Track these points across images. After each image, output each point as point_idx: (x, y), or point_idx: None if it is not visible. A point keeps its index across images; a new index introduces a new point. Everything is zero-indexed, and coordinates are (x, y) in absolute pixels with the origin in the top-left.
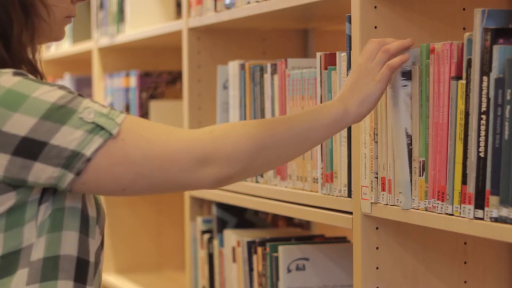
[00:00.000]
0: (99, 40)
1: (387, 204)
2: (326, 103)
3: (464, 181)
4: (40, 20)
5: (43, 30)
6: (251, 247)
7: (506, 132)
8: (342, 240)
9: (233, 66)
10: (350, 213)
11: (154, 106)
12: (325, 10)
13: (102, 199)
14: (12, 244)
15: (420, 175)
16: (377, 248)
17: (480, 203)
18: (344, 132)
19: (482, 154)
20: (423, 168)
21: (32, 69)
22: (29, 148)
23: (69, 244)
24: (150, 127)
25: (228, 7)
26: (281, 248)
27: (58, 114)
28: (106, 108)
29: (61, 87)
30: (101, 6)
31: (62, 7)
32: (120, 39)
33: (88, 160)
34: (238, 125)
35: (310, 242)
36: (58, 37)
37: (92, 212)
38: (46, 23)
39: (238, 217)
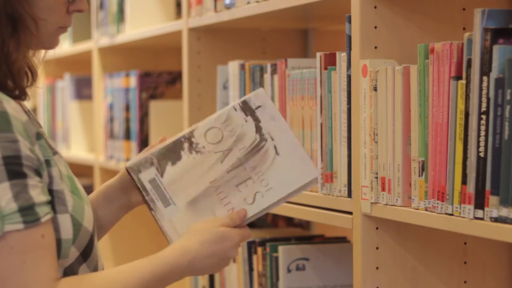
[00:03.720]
0: (99, 40)
1: (387, 204)
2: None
3: (464, 181)
4: (27, 33)
5: (30, 41)
6: (251, 247)
7: (506, 132)
8: (342, 240)
9: (233, 66)
10: (350, 213)
11: (154, 106)
12: (325, 10)
13: (87, 214)
14: None
15: (419, 175)
16: (377, 248)
17: (480, 203)
18: (344, 132)
19: (482, 154)
20: (423, 168)
21: (20, 71)
22: None
23: None
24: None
25: (228, 7)
26: (281, 248)
27: None
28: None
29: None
30: (101, 6)
31: (54, 20)
32: (120, 39)
33: None
34: None
35: (310, 242)
36: (50, 46)
37: (65, 234)
38: (34, 35)
39: None
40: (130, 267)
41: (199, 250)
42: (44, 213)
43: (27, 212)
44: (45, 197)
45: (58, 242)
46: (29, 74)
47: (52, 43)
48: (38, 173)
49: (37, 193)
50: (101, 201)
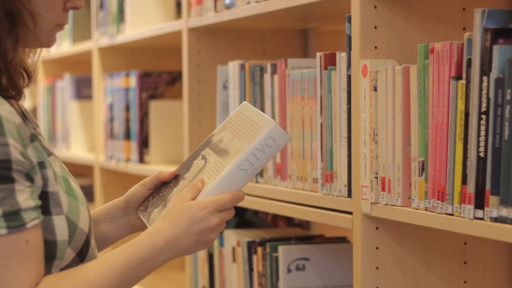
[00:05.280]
0: (99, 40)
1: (387, 204)
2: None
3: (464, 181)
4: (26, 29)
5: (28, 39)
6: (251, 247)
7: (506, 132)
8: (342, 240)
9: (233, 66)
10: (350, 213)
11: (154, 106)
12: (325, 10)
13: (83, 215)
14: None
15: (419, 175)
16: (377, 248)
17: (480, 203)
18: (344, 132)
19: (482, 154)
20: (423, 168)
21: (17, 70)
22: None
23: None
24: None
25: (228, 7)
26: (281, 248)
27: None
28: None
29: None
30: (101, 6)
31: (52, 17)
32: (120, 39)
33: None
34: None
35: (310, 242)
36: (48, 44)
37: (61, 236)
38: (32, 32)
39: (238, 217)
40: (107, 258)
41: (170, 228)
42: (31, 218)
43: (12, 217)
44: (33, 202)
45: (54, 243)
46: (25, 75)
47: (49, 41)
48: (29, 177)
49: (25, 198)
50: (104, 217)
